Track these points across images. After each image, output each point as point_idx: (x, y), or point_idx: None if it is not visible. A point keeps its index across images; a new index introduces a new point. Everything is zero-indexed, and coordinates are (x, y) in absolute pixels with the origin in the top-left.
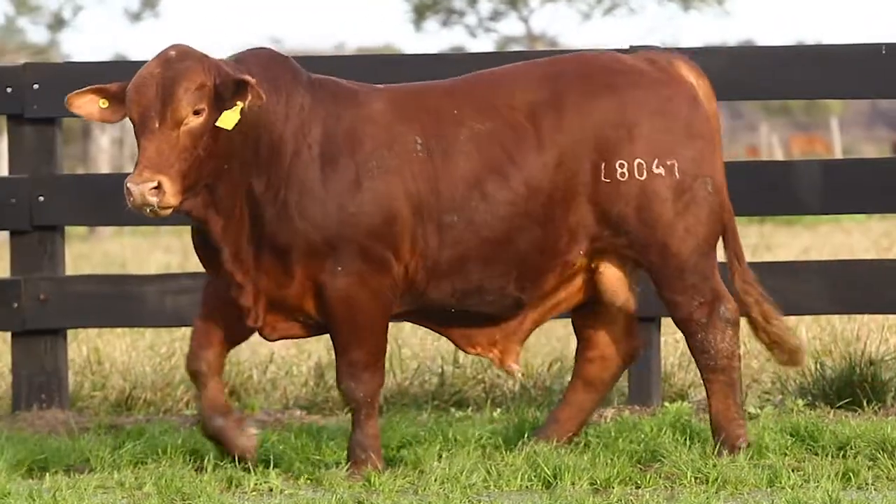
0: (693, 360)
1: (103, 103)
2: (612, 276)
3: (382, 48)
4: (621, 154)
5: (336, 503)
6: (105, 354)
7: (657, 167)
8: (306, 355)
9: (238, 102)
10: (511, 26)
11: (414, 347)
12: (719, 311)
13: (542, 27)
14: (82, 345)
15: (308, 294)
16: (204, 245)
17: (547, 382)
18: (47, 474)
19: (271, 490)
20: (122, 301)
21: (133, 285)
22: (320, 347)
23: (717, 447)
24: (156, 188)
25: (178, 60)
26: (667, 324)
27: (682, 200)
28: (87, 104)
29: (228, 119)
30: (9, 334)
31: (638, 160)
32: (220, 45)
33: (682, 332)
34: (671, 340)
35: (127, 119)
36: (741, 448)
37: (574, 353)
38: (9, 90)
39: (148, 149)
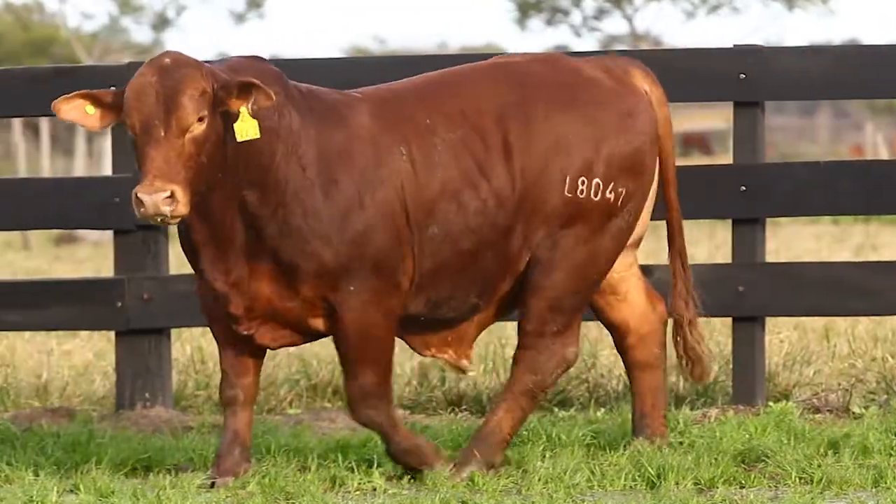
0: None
1: (90, 109)
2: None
3: (485, 47)
4: (584, 171)
5: (439, 503)
6: (208, 353)
7: (610, 191)
8: (409, 354)
9: (242, 107)
10: (615, 25)
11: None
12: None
13: (646, 26)
14: (186, 344)
15: (315, 309)
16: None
17: None
18: (151, 473)
19: (374, 489)
20: None
21: None
22: None
23: (464, 454)
24: (169, 198)
25: (176, 68)
26: (772, 323)
27: (610, 224)
28: (73, 110)
29: (247, 128)
30: (113, 334)
31: (596, 180)
32: (324, 45)
33: (520, 342)
34: (775, 340)
35: None
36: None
37: (615, 346)
38: (113, 89)
39: (156, 158)
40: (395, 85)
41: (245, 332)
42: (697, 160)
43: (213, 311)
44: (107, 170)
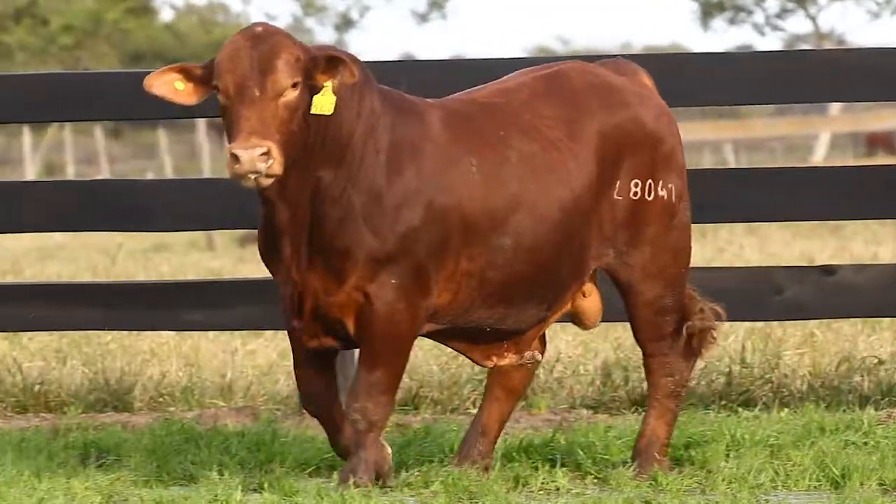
0: None
1: (179, 84)
2: (595, 298)
3: (668, 47)
4: (637, 173)
5: (623, 503)
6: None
7: (662, 189)
8: (593, 354)
9: (327, 82)
10: (798, 24)
11: None
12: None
13: (830, 25)
14: None
15: (351, 306)
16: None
17: (835, 382)
18: (335, 472)
19: (558, 489)
20: None
21: None
22: (607, 347)
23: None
24: (265, 154)
25: (269, 35)
26: None
27: (675, 221)
28: (163, 85)
29: (324, 103)
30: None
31: (649, 181)
32: (507, 45)
33: (647, 351)
34: None
35: None
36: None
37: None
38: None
39: (251, 117)
40: (462, 96)
41: (296, 325)
42: (882, 160)
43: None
44: None
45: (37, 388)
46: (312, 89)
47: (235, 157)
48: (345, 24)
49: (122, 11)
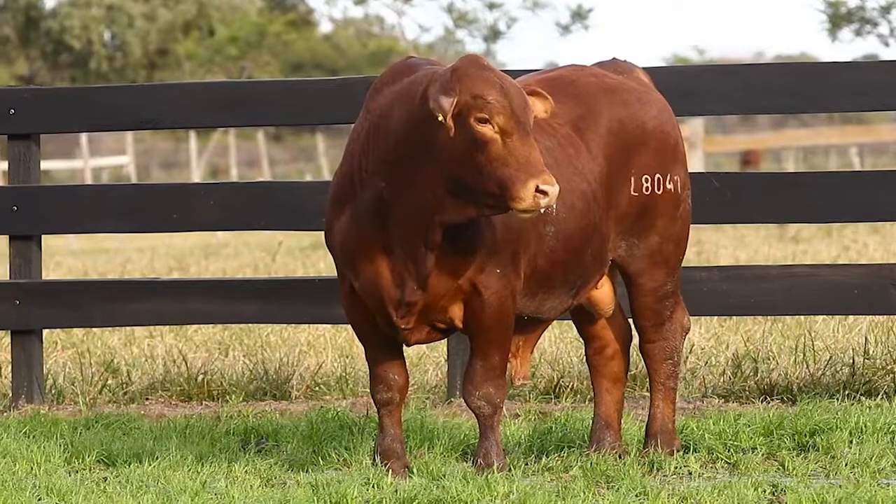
0: None
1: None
2: (606, 287)
3: (799, 56)
4: (645, 168)
5: (752, 486)
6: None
7: (669, 182)
8: (724, 346)
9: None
10: None
11: (826, 340)
12: (683, 321)
13: None
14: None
15: (458, 298)
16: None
17: None
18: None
19: (690, 473)
20: None
21: None
22: (737, 339)
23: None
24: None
25: (448, 70)
26: None
27: (679, 214)
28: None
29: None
30: None
31: (657, 175)
32: (645, 55)
33: (645, 337)
34: None
35: None
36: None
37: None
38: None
39: (539, 155)
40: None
41: (403, 326)
42: None
43: (361, 313)
44: None
45: (200, 377)
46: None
47: (547, 194)
48: (493, 35)
49: (284, 24)
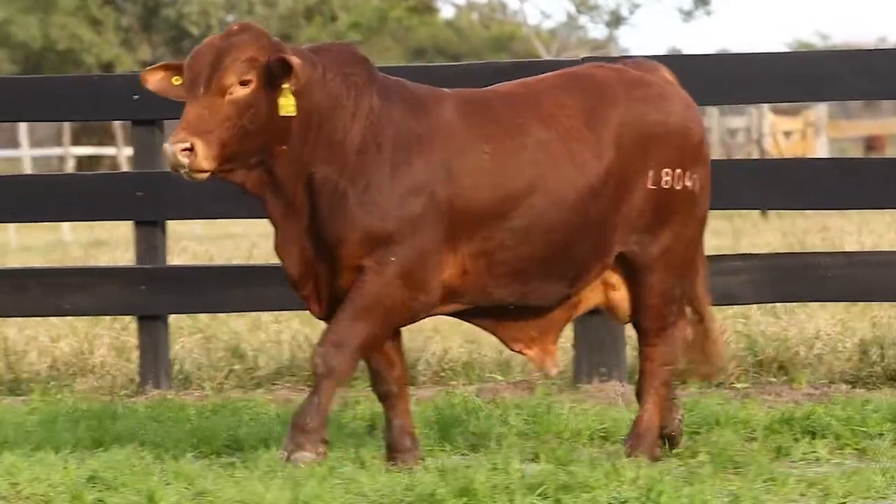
0: None
1: (176, 80)
2: (623, 290)
3: None
4: (667, 162)
5: (880, 472)
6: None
7: (688, 179)
8: (851, 332)
9: (284, 84)
10: None
11: None
12: (685, 327)
13: None
14: None
15: (348, 279)
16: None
17: None
18: (607, 443)
19: (818, 459)
20: None
21: None
22: (864, 325)
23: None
24: (188, 150)
25: (237, 34)
26: None
27: (696, 211)
28: (159, 81)
29: (285, 105)
30: None
31: (678, 170)
32: (768, 40)
33: (646, 340)
34: None
35: None
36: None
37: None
38: None
39: (189, 113)
40: (484, 89)
41: (318, 315)
42: None
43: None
44: None
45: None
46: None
47: (164, 151)
48: (615, 21)
49: (406, 9)
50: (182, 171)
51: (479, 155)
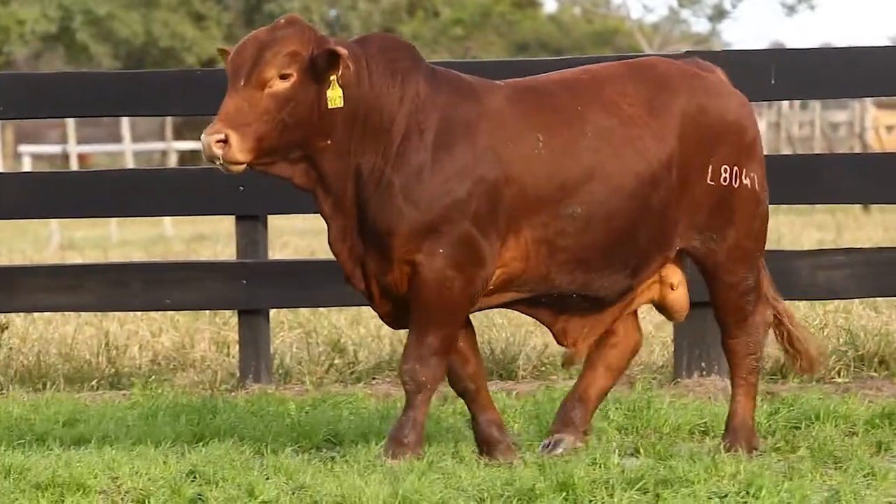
0: None
1: None
2: (682, 289)
3: None
4: (726, 159)
5: None
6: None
7: (746, 177)
8: None
9: (332, 76)
10: None
11: None
12: (766, 315)
13: None
14: None
15: (405, 278)
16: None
17: None
18: (707, 438)
19: None
20: (775, 275)
21: (785, 260)
22: None
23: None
24: (222, 141)
25: (283, 28)
26: None
27: (760, 208)
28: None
29: (333, 97)
30: None
31: (735, 167)
32: (872, 34)
33: (729, 331)
34: None
35: (783, 104)
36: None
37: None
38: None
39: (228, 104)
40: (544, 76)
41: (378, 311)
42: None
43: None
44: None
45: None
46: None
47: (201, 142)
48: (718, 14)
49: (509, 4)
50: (217, 163)
51: (533, 142)
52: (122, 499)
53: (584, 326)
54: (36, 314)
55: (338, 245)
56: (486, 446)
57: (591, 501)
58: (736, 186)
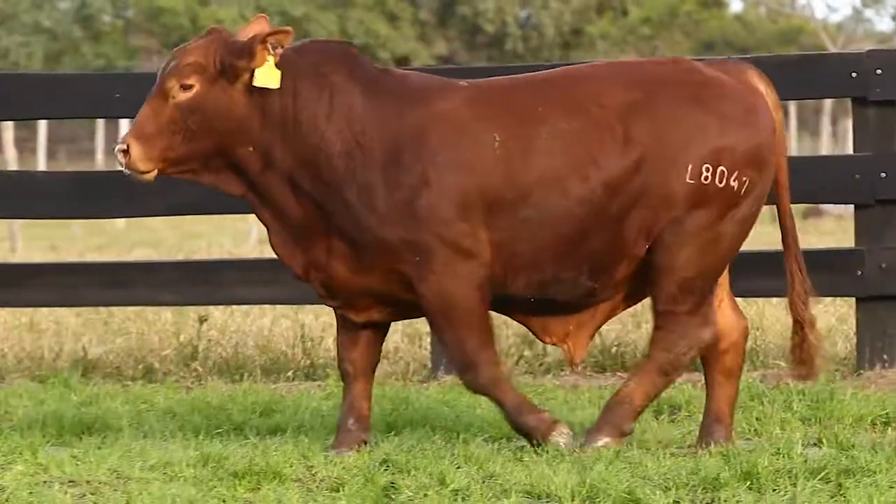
0: None
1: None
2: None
3: None
4: (709, 159)
5: None
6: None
7: (734, 180)
8: None
9: (256, 65)
10: None
11: None
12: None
13: None
14: None
15: (393, 281)
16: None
17: None
18: (888, 428)
19: None
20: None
21: None
22: None
23: (597, 423)
24: (123, 150)
25: (194, 40)
26: None
27: (732, 213)
28: None
29: (266, 76)
30: (853, 300)
31: (721, 168)
32: None
33: (660, 323)
34: None
35: None
36: (609, 440)
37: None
38: (854, 75)
39: (138, 115)
40: (521, 76)
41: (334, 307)
42: None
43: None
44: (849, 148)
45: (614, 349)
46: (255, 91)
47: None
48: None
49: (696, 3)
50: (127, 173)
51: (489, 143)
52: (316, 487)
53: (569, 324)
54: (234, 307)
55: (279, 249)
56: (338, 432)
57: (774, 490)
58: (719, 186)
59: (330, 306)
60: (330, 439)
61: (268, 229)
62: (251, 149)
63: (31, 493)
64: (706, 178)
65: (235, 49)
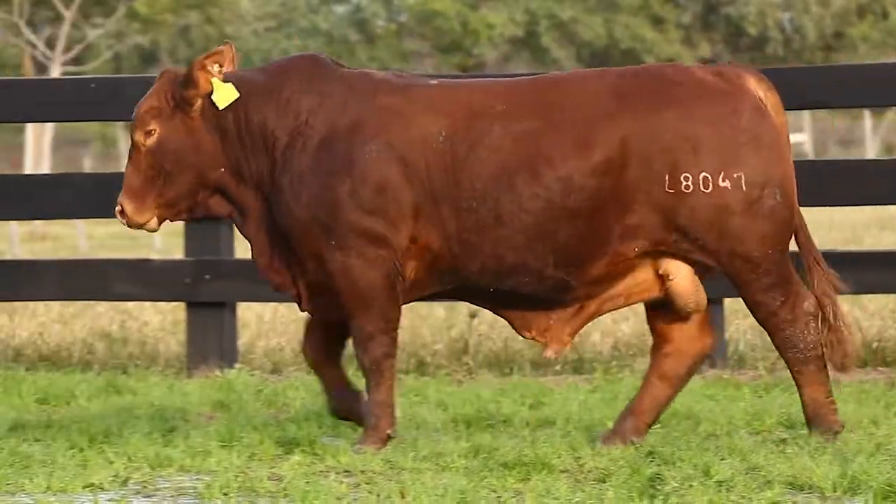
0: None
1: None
2: (684, 282)
3: None
4: (685, 166)
5: None
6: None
7: (723, 180)
8: None
9: (212, 79)
10: None
11: None
12: (802, 307)
13: None
14: None
15: (319, 272)
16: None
17: None
18: None
19: None
20: None
21: None
22: None
23: (812, 433)
24: (120, 211)
25: (150, 89)
26: None
27: (750, 211)
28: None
29: (222, 95)
30: None
31: (703, 173)
32: None
33: (766, 329)
34: None
35: None
36: (838, 433)
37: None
38: None
39: (124, 174)
40: (493, 79)
41: (305, 310)
42: None
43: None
44: None
45: (875, 344)
46: (213, 117)
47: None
48: None
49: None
50: (133, 228)
51: (434, 136)
52: (584, 478)
53: (551, 319)
54: None
55: (257, 259)
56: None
57: None
58: (707, 191)
59: (304, 311)
60: (598, 431)
61: (250, 243)
62: (222, 169)
63: (307, 482)
64: (687, 186)
65: (181, 81)
